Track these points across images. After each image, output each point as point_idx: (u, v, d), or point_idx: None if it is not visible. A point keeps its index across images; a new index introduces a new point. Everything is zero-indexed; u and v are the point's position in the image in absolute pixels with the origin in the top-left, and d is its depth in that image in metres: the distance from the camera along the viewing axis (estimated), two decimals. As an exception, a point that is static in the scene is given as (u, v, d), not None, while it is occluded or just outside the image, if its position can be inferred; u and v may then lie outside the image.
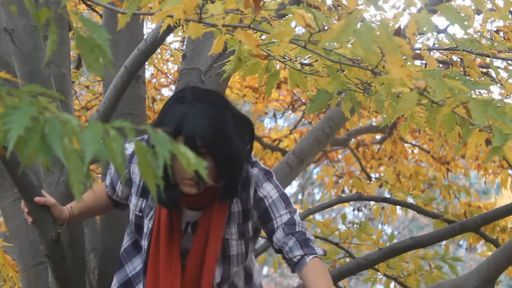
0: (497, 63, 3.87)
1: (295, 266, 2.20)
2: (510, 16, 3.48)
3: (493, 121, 1.43)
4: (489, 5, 3.18)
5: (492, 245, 4.01)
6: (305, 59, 2.15)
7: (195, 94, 2.15)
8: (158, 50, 5.51)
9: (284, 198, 2.26)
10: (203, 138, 2.07)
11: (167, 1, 1.50)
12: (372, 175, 6.85)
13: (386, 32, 1.29)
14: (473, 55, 2.63)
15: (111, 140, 1.06)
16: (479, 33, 3.46)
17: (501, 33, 4.47)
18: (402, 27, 2.13)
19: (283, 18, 2.03)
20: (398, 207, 4.74)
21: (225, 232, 2.25)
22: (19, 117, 1.03)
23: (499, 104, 1.75)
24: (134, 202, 2.33)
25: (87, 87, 5.72)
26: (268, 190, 2.25)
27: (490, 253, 3.28)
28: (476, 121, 1.37)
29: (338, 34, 1.28)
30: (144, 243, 2.31)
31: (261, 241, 4.03)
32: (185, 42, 4.66)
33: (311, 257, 2.16)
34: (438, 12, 1.55)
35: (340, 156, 7.54)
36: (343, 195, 6.22)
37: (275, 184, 2.27)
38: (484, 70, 4.49)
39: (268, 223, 2.24)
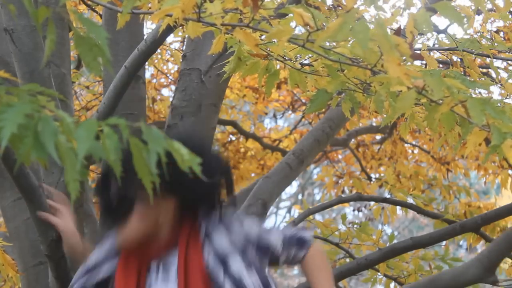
0: (497, 63, 3.88)
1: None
2: (510, 16, 3.48)
3: (492, 120, 1.43)
4: (489, 5, 3.19)
5: (492, 245, 4.01)
6: (305, 59, 2.15)
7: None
8: (158, 50, 5.51)
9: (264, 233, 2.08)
10: None
11: (166, 0, 1.50)
12: (372, 175, 6.84)
13: (383, 31, 1.29)
14: (473, 55, 2.63)
15: (105, 137, 1.06)
16: (479, 33, 3.46)
17: (501, 33, 4.47)
18: (402, 27, 2.13)
19: (283, 18, 2.03)
20: (398, 207, 4.73)
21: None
22: (13, 114, 1.03)
23: (498, 104, 1.75)
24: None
25: (87, 87, 5.72)
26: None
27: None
28: (474, 119, 1.37)
29: (334, 32, 1.28)
30: None
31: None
32: (185, 42, 4.66)
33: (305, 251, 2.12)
34: (438, 12, 1.55)
35: (340, 156, 7.54)
36: (343, 195, 6.22)
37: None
38: (484, 70, 4.48)
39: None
